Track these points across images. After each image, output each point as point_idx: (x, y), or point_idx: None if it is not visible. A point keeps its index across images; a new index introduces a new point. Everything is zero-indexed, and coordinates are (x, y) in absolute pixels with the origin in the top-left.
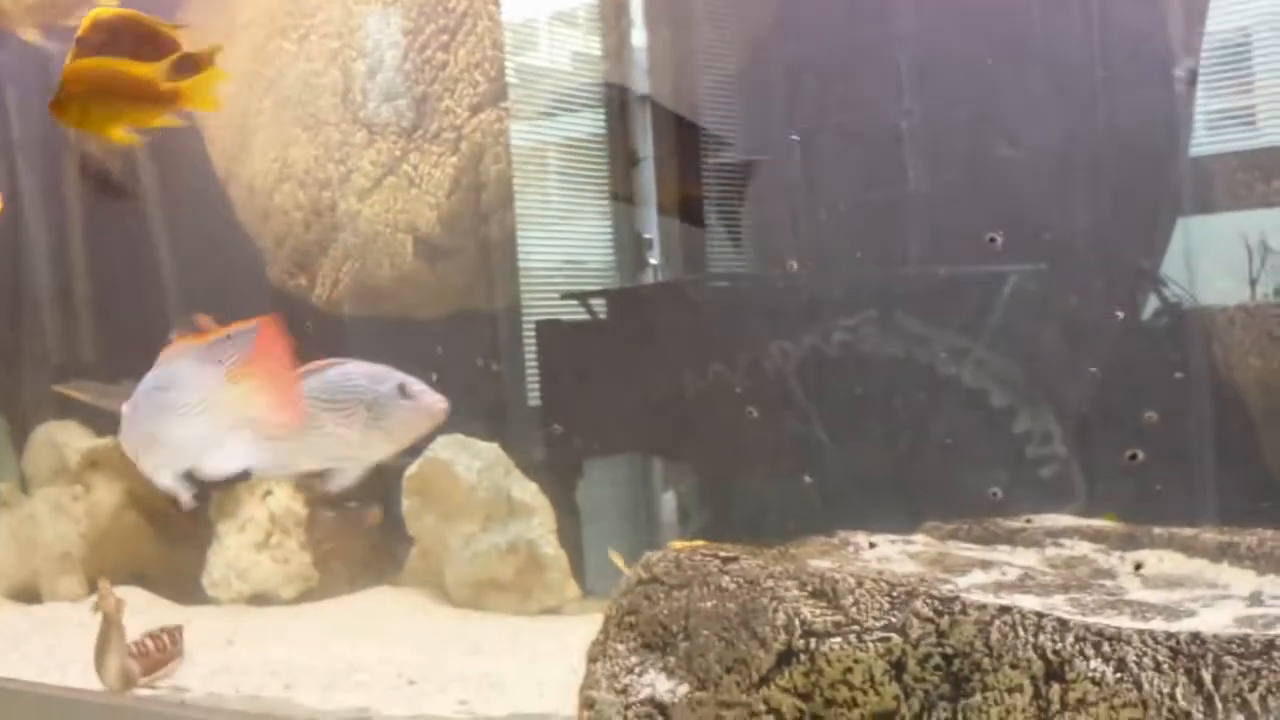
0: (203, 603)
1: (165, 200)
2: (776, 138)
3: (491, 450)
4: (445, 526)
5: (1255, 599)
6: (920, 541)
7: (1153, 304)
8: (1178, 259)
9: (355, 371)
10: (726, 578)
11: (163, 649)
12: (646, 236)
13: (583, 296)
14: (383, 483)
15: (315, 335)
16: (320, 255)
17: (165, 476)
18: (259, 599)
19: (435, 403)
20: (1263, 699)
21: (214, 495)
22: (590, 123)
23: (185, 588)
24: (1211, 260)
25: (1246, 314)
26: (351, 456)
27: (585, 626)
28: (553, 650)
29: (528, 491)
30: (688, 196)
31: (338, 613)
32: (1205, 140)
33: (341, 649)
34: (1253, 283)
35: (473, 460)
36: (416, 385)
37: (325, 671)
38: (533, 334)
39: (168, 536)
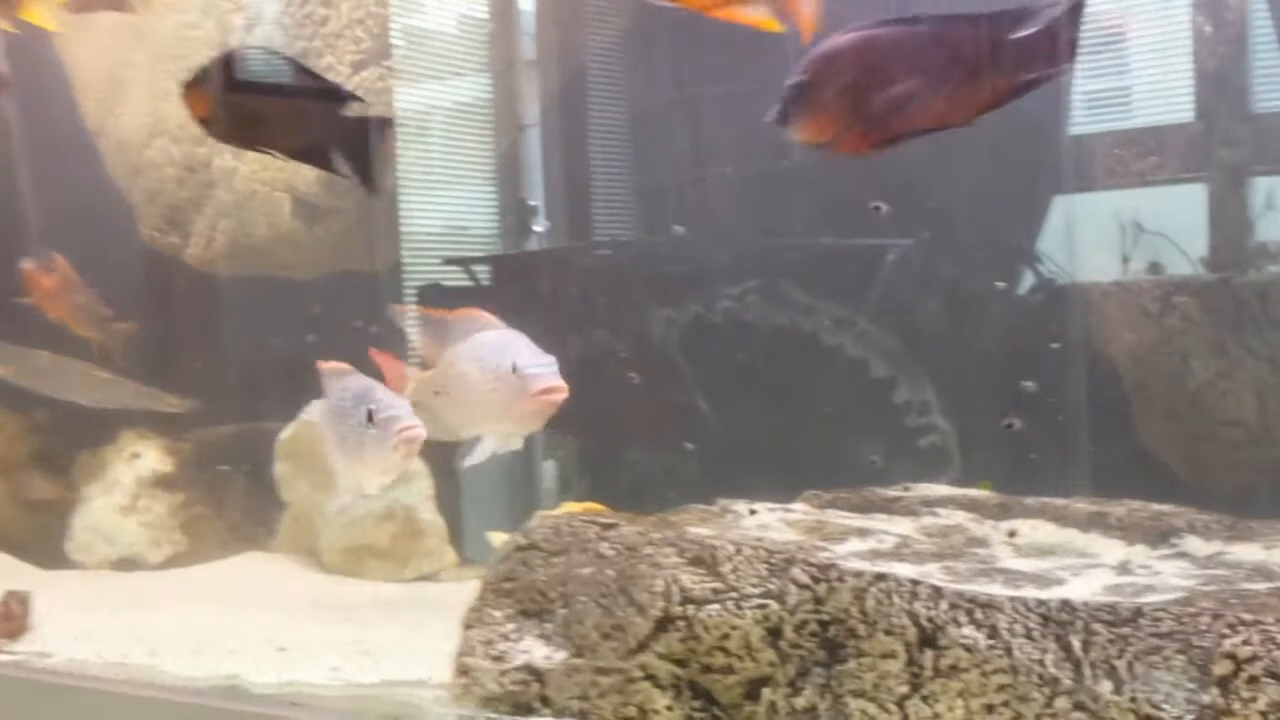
0: (66, 567)
1: (29, 151)
2: (662, 102)
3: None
4: (319, 492)
5: (1124, 568)
6: (799, 510)
7: (1030, 278)
8: (1058, 234)
9: (350, 390)
10: (605, 544)
11: (11, 615)
12: (531, 203)
13: (466, 262)
14: (254, 446)
15: (187, 295)
16: (194, 213)
17: None
18: (125, 563)
19: (404, 431)
20: (1130, 665)
21: (79, 456)
22: (476, 87)
23: (48, 552)
24: (1089, 236)
25: (1121, 289)
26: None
27: (462, 593)
28: (428, 617)
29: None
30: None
31: (207, 578)
32: (1083, 120)
33: (210, 615)
34: (1125, 259)
35: None
36: (386, 409)
37: (193, 638)
38: (415, 298)
39: (29, 499)
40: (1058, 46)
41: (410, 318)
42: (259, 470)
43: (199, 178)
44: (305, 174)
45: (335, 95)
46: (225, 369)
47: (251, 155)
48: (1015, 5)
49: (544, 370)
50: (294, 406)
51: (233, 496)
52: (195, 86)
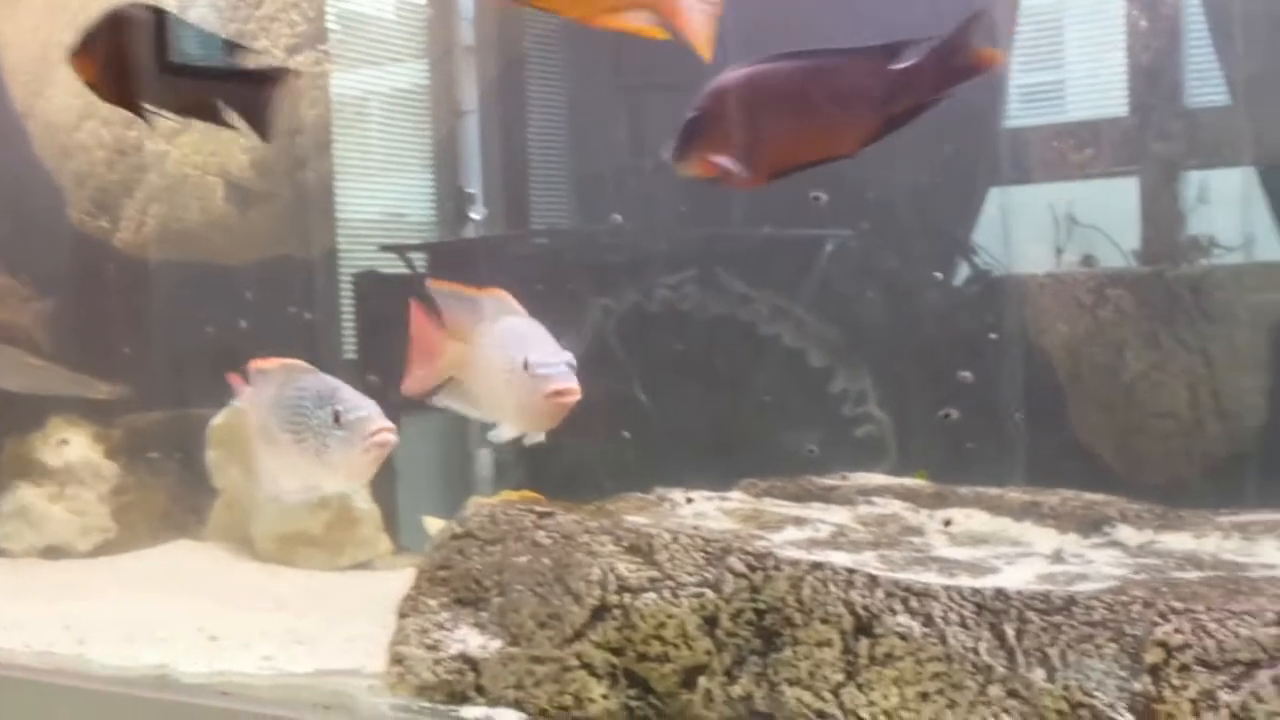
0: None
1: None
2: (602, 90)
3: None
4: (252, 479)
5: (1057, 556)
6: (736, 498)
7: (966, 270)
8: (994, 227)
9: (308, 388)
10: (542, 533)
11: None
12: (469, 191)
13: (402, 249)
14: (186, 433)
15: (117, 280)
16: (124, 196)
17: None
18: (53, 551)
19: (374, 433)
20: (1063, 653)
21: (6, 443)
22: (413, 73)
23: None
24: (1024, 228)
25: (1056, 281)
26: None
27: (397, 582)
28: (362, 606)
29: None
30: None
31: (137, 566)
32: (1020, 113)
33: (140, 604)
34: (1059, 251)
35: None
36: (354, 410)
37: (122, 627)
38: (350, 286)
39: None
40: (938, 75)
41: (441, 291)
42: (190, 457)
43: (130, 161)
44: (239, 158)
45: (224, 48)
46: (156, 355)
47: (184, 139)
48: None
49: (556, 370)
50: (226, 393)
51: (163, 484)
52: (81, 51)
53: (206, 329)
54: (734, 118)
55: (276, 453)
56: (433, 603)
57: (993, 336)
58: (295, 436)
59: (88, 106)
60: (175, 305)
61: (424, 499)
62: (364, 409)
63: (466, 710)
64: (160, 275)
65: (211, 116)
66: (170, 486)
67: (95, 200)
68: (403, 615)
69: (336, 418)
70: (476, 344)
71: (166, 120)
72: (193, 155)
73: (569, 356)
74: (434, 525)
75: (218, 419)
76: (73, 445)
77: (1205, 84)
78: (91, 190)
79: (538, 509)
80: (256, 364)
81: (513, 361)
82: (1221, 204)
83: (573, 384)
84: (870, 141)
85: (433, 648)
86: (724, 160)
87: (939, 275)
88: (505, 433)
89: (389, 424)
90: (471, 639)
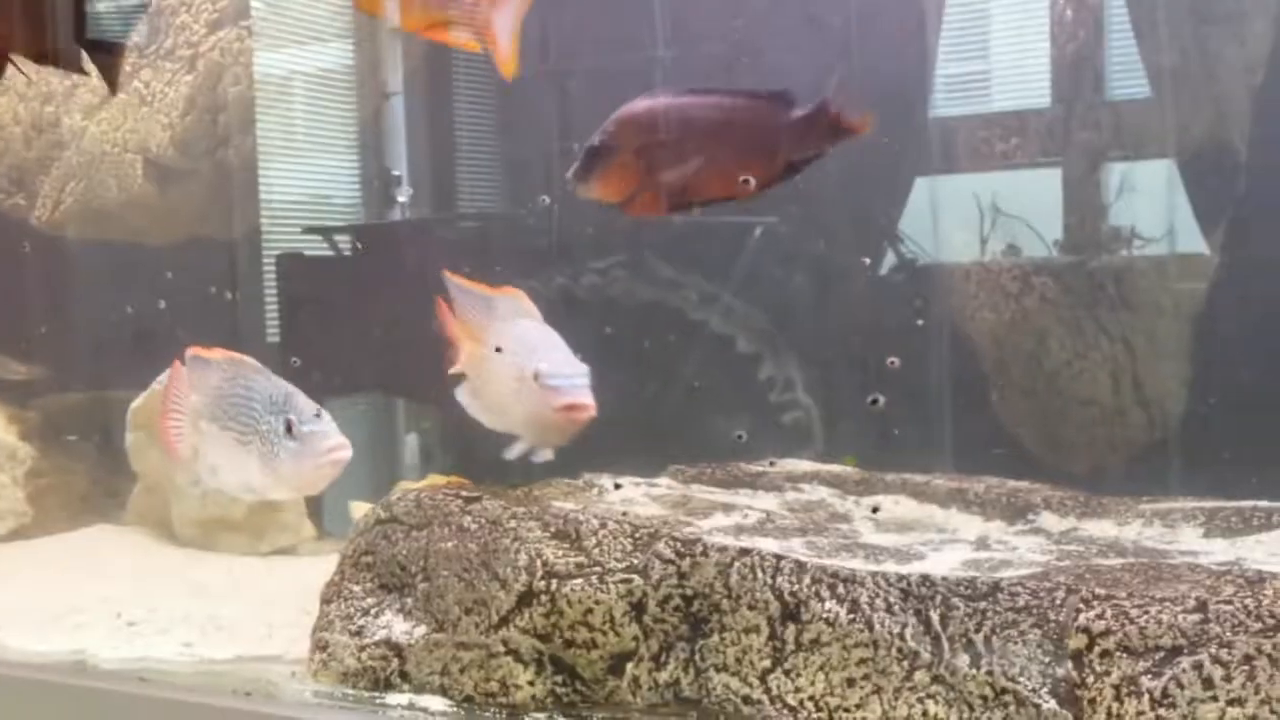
0: None
1: None
2: (530, 73)
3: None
4: (180, 465)
5: (982, 543)
6: (664, 484)
7: (892, 258)
8: (920, 215)
9: (258, 389)
10: (468, 518)
11: None
12: (395, 173)
13: (327, 231)
14: (104, 415)
15: (33, 259)
16: (41, 174)
17: None
18: None
19: (329, 450)
20: (987, 639)
21: None
22: (338, 52)
23: None
24: (950, 217)
25: (982, 269)
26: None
27: (320, 567)
28: (285, 592)
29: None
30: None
31: (54, 551)
32: (945, 103)
33: (57, 589)
34: (983, 241)
35: None
36: (310, 423)
37: (39, 612)
38: (273, 267)
39: None
40: (832, 126)
41: (454, 284)
42: (109, 440)
43: (47, 137)
44: (158, 135)
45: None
46: (74, 336)
47: (103, 115)
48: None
49: (568, 382)
50: (146, 375)
51: (81, 467)
52: None
53: (126, 309)
54: (637, 147)
55: (218, 448)
56: (357, 589)
57: (919, 323)
58: (239, 436)
59: (2, 82)
60: (94, 285)
61: (349, 484)
62: (320, 423)
63: (391, 697)
64: (78, 254)
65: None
66: (88, 470)
67: (11, 178)
68: (326, 601)
69: (289, 427)
70: (487, 346)
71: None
72: (111, 132)
73: (584, 369)
74: (359, 510)
75: (138, 401)
76: None
77: (1129, 76)
78: (7, 167)
79: (464, 494)
80: (197, 350)
81: (523, 370)
82: (1144, 195)
83: (587, 399)
84: (767, 186)
85: (357, 634)
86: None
87: (867, 260)
88: (515, 449)
89: (344, 440)
90: (396, 625)
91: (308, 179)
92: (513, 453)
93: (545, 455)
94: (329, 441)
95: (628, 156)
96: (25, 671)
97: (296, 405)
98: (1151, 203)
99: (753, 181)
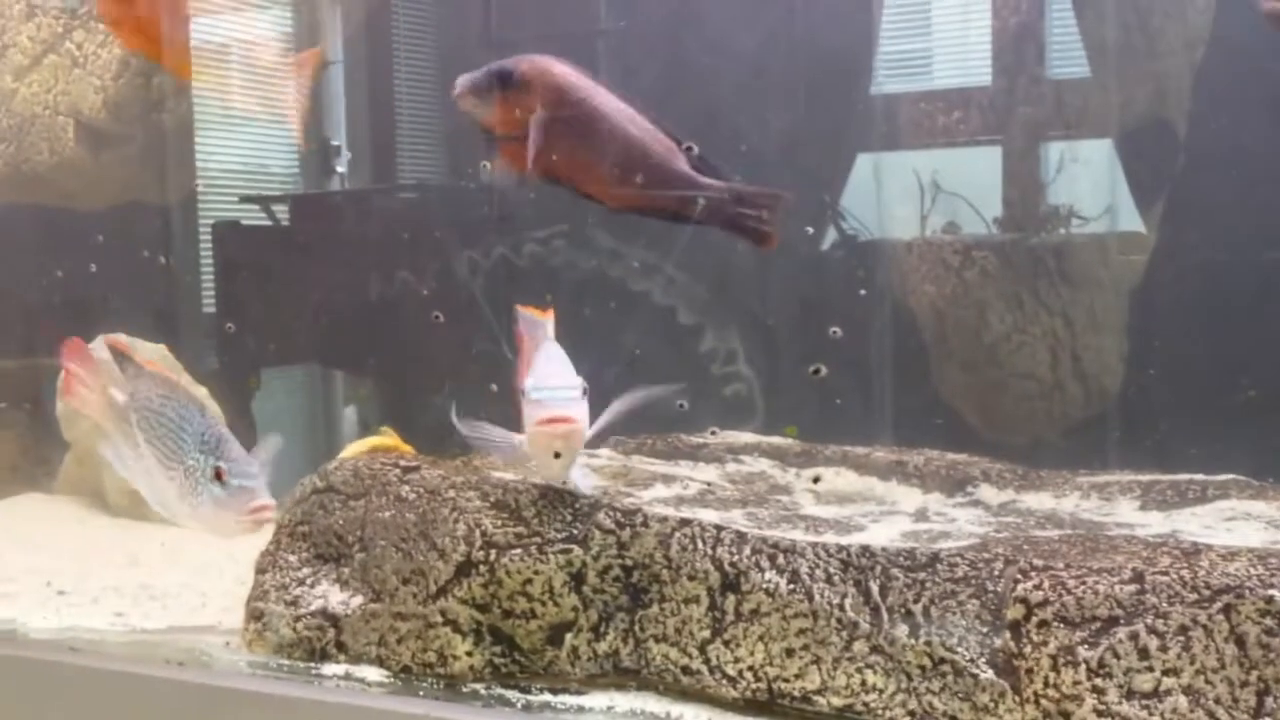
0: None
1: None
2: (472, 41)
3: (158, 351)
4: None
5: (921, 515)
6: (605, 455)
7: (834, 233)
8: (863, 191)
9: (190, 422)
10: (406, 488)
11: None
12: (334, 143)
13: (264, 201)
14: (35, 382)
15: None
16: None
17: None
18: None
19: (255, 510)
20: (926, 609)
21: None
22: (276, 19)
23: None
24: (892, 193)
25: (924, 243)
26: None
27: (255, 538)
28: (218, 562)
29: (198, 396)
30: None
31: None
32: (887, 79)
33: None
34: (924, 217)
35: None
36: (241, 477)
37: None
38: (209, 235)
39: None
40: (731, 220)
41: (522, 314)
42: (39, 408)
43: None
44: (91, 98)
45: None
46: (3, 302)
47: (34, 77)
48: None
49: (550, 395)
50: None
51: (11, 435)
52: None
53: (57, 274)
54: (541, 98)
55: (137, 458)
56: (293, 558)
57: (861, 293)
58: (164, 461)
59: None
60: (24, 250)
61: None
62: (250, 479)
63: (327, 667)
64: (8, 219)
65: None
66: (18, 438)
67: None
68: (261, 571)
69: (219, 475)
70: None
71: (17, 58)
72: (43, 94)
73: (575, 382)
74: (355, 448)
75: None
76: None
77: (1068, 54)
78: None
79: (402, 464)
80: (119, 343)
81: (525, 387)
82: (1084, 172)
83: (568, 411)
84: (629, 209)
85: (292, 604)
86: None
87: (810, 230)
88: (532, 471)
89: (272, 501)
90: (333, 595)
91: (244, 147)
92: (533, 477)
93: (547, 472)
94: (257, 501)
95: (528, 99)
96: None
97: (230, 453)
98: (1091, 179)
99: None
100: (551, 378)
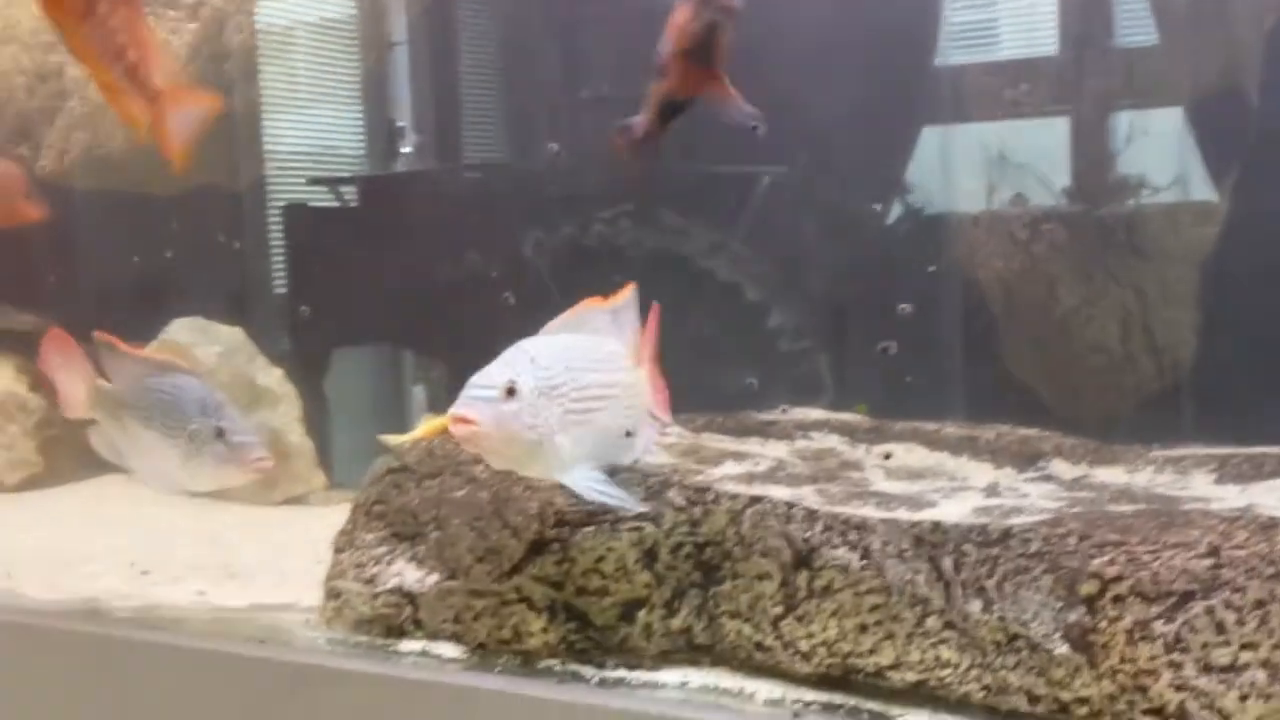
0: None
1: None
2: (536, 21)
3: (234, 334)
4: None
5: (993, 490)
6: (675, 433)
7: (900, 207)
8: (929, 164)
9: (187, 390)
10: (479, 467)
11: None
12: (399, 124)
13: (332, 182)
14: None
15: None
16: (45, 123)
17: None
18: None
19: (255, 457)
20: (999, 585)
21: None
22: (341, 2)
23: None
24: (959, 166)
25: (991, 216)
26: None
27: (332, 516)
28: (297, 540)
29: (273, 378)
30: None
31: (65, 500)
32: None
33: (69, 538)
34: (991, 190)
35: (212, 344)
36: (240, 433)
37: (52, 561)
38: (279, 218)
39: None
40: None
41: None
42: None
43: (50, 87)
44: None
45: None
46: (81, 286)
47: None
48: None
49: (462, 394)
50: (154, 325)
51: None
52: None
53: (132, 259)
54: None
55: (137, 441)
56: (369, 537)
57: (930, 270)
58: (167, 434)
59: (6, 30)
60: (100, 235)
61: (358, 435)
62: (249, 434)
63: (404, 644)
64: (84, 204)
65: None
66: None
67: (16, 127)
68: (338, 550)
69: (221, 433)
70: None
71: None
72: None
73: (498, 381)
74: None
75: (147, 351)
76: None
77: (1139, 22)
78: (12, 116)
79: None
80: (109, 339)
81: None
82: (1154, 142)
83: (464, 411)
84: None
85: (369, 582)
86: None
87: (878, 207)
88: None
89: (268, 454)
90: (408, 573)
91: (312, 129)
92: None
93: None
94: (256, 452)
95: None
96: (40, 619)
97: (229, 414)
98: (1161, 149)
99: None
100: (480, 374)
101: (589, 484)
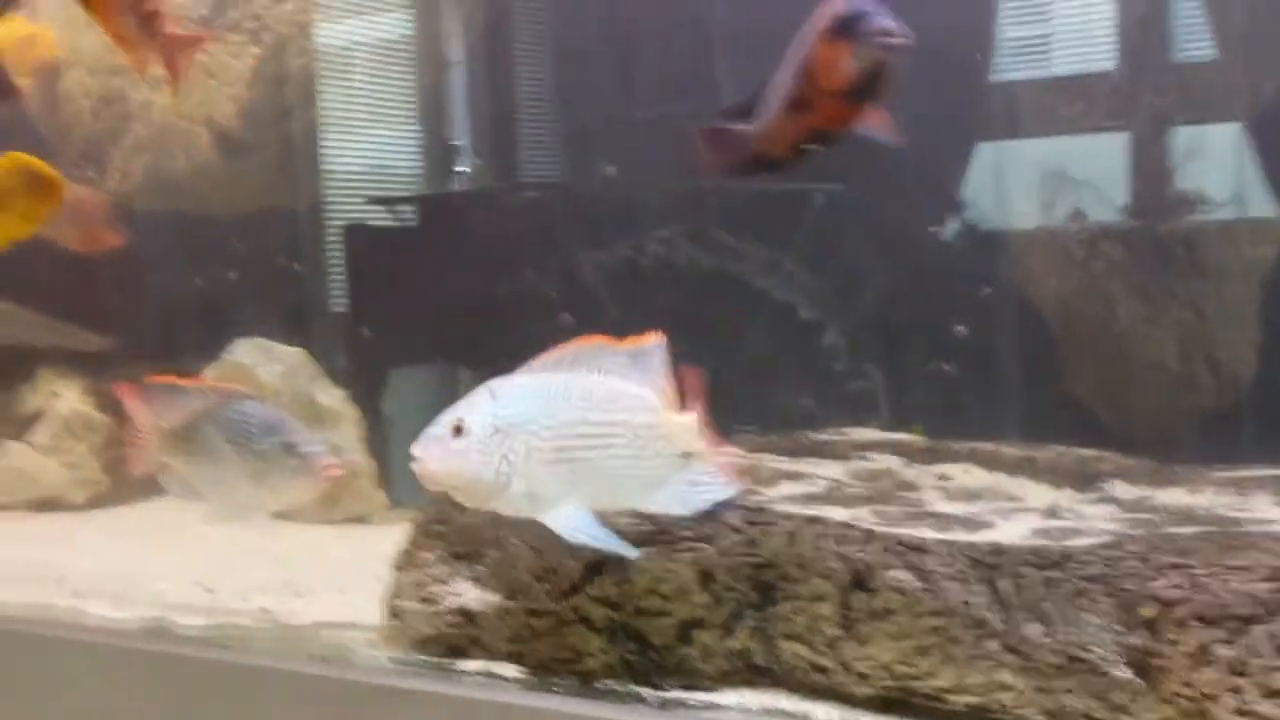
0: None
1: None
2: (591, 40)
3: (295, 355)
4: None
5: (1051, 511)
6: (732, 453)
7: (955, 224)
8: (984, 181)
9: (254, 414)
10: None
11: None
12: (456, 143)
13: (390, 201)
14: None
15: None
16: (110, 146)
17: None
18: (47, 504)
19: (325, 464)
20: (1058, 608)
21: None
22: (399, 22)
23: None
24: (1014, 183)
25: (1048, 234)
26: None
27: (392, 536)
28: (358, 559)
29: (334, 398)
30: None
31: (131, 519)
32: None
33: (135, 556)
34: (1049, 207)
35: (274, 365)
36: (308, 443)
37: (118, 579)
38: (339, 238)
39: None
40: None
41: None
42: None
43: (115, 109)
44: (225, 107)
45: None
46: (145, 307)
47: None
48: None
49: (318, 446)
50: (216, 345)
51: None
52: None
53: (195, 281)
54: None
55: (205, 473)
56: (429, 556)
57: (985, 290)
58: (239, 459)
59: (71, 55)
60: (164, 256)
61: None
62: (316, 444)
63: (464, 663)
64: (148, 226)
65: None
66: None
67: (81, 150)
68: (399, 569)
69: (289, 448)
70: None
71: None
72: (179, 104)
73: (447, 420)
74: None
75: (209, 372)
76: (64, 398)
77: (1195, 38)
78: (78, 140)
79: None
80: (160, 379)
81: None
82: (1213, 159)
83: (416, 449)
84: None
85: (429, 601)
86: None
87: (933, 229)
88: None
89: (337, 460)
90: (469, 593)
91: (370, 149)
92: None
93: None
94: (326, 460)
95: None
96: (105, 638)
97: (294, 427)
98: (1220, 166)
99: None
100: (446, 411)
101: (570, 525)
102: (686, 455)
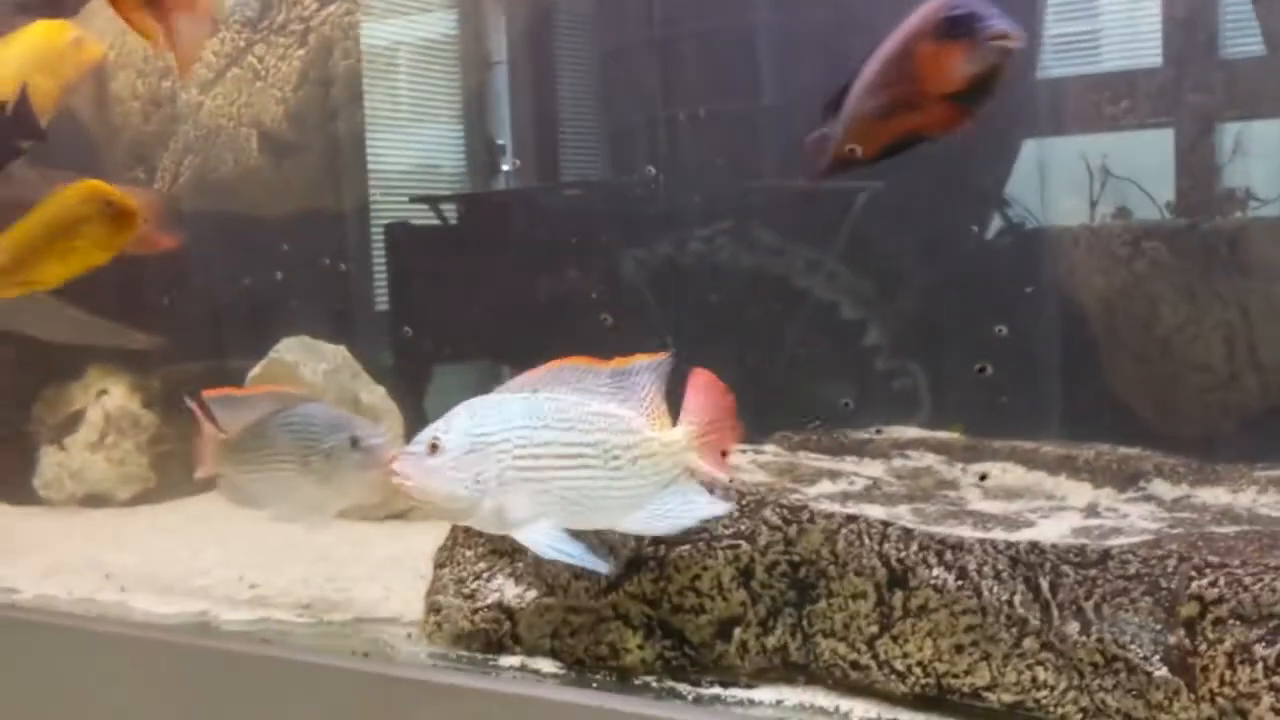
0: (34, 504)
1: None
2: (634, 39)
3: (338, 353)
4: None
5: (1092, 510)
6: (770, 451)
7: (999, 222)
8: (1028, 178)
9: (316, 414)
10: None
11: None
12: (499, 143)
13: (434, 201)
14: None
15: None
16: (159, 147)
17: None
18: (93, 500)
19: (389, 456)
20: (1097, 606)
21: (44, 394)
22: (443, 23)
23: (15, 489)
24: (1058, 180)
25: (1091, 233)
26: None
27: (433, 533)
28: (399, 556)
29: (376, 395)
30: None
31: (176, 515)
32: (1053, 63)
33: (180, 552)
34: (1093, 204)
35: (318, 362)
36: (371, 436)
37: (163, 575)
38: (382, 237)
39: None
40: None
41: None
42: None
43: (164, 112)
44: (272, 109)
45: None
46: (193, 306)
47: (218, 90)
48: None
49: (380, 438)
50: (263, 343)
51: None
52: None
53: (243, 280)
54: None
55: (267, 481)
56: (469, 553)
57: (1028, 289)
58: (305, 460)
59: (121, 57)
60: (212, 256)
61: None
62: (380, 436)
63: (504, 659)
64: (196, 226)
65: None
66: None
67: (131, 151)
68: (439, 565)
69: (355, 442)
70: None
71: (202, 72)
72: (227, 106)
73: (423, 438)
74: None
75: (256, 370)
76: (111, 395)
77: (1241, 34)
78: (127, 141)
79: None
80: (220, 393)
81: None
82: (1258, 156)
83: (395, 464)
84: None
85: (469, 597)
86: None
87: (975, 228)
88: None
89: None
90: (508, 589)
91: (414, 149)
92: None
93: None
94: (390, 451)
95: None
96: (151, 632)
97: (356, 422)
98: (1266, 164)
99: None
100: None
101: (543, 541)
102: (675, 473)
